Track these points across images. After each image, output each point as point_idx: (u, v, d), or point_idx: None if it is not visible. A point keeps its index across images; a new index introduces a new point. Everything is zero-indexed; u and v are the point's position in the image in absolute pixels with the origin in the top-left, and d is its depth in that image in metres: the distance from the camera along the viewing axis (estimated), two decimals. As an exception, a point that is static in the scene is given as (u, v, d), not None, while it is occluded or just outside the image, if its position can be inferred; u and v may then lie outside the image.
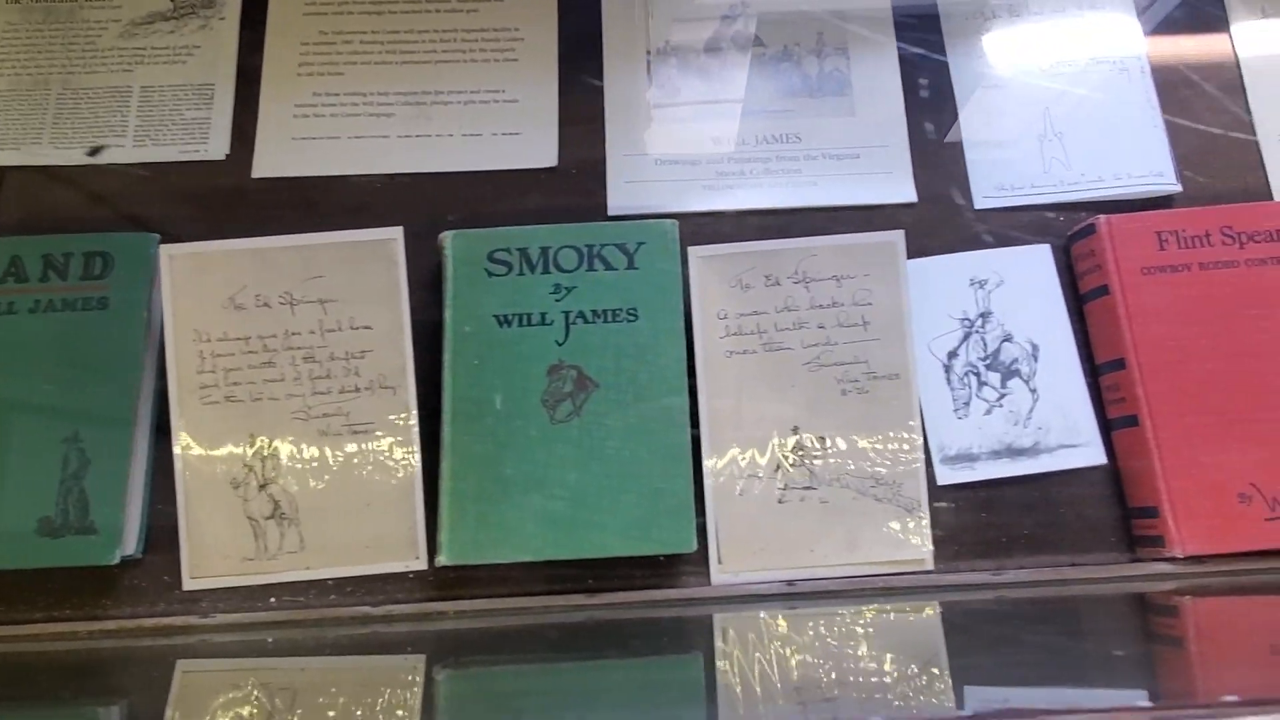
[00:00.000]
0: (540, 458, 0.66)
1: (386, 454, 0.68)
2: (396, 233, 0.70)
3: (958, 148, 0.78)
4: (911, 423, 0.69)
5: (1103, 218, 0.71)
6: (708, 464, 0.68)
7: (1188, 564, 0.65)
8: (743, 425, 0.69)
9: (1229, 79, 0.80)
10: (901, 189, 0.77)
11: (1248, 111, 0.79)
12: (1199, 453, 0.66)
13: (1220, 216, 0.71)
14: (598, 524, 0.64)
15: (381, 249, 0.70)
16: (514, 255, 0.70)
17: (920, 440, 0.69)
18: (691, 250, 0.70)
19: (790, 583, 0.66)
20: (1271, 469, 0.65)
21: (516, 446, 0.66)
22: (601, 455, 0.66)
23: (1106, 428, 0.71)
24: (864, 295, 0.70)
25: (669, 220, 0.70)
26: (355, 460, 0.69)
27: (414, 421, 0.68)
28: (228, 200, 0.77)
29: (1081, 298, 0.73)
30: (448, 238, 0.70)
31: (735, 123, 0.78)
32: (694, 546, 0.65)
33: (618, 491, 0.65)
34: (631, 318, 0.69)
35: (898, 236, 0.71)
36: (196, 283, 0.70)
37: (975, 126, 0.78)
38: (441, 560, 0.64)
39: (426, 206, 0.77)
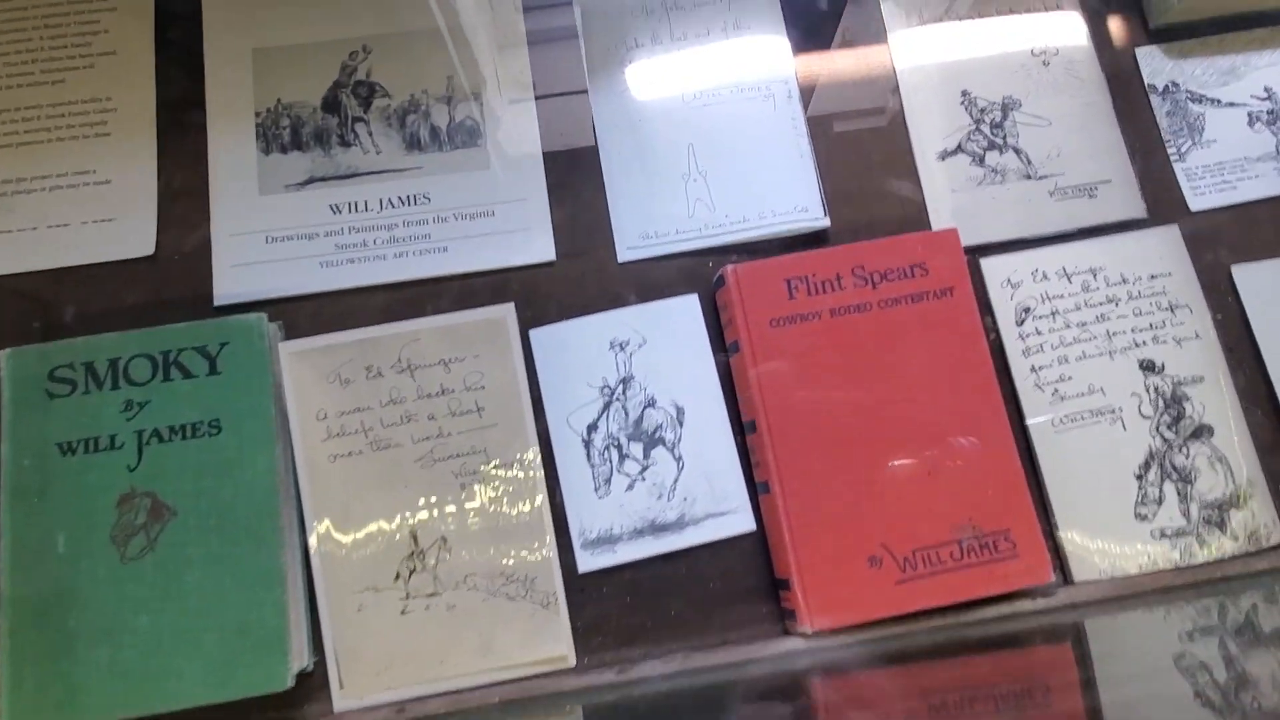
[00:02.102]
0: (109, 603, 0.59)
1: (-49, 611, 0.62)
2: (-72, 360, 0.62)
3: (600, 196, 0.72)
4: (539, 512, 0.64)
5: (730, 267, 0.67)
6: (319, 581, 0.61)
7: (820, 638, 0.62)
8: (357, 536, 0.63)
9: (887, 95, 0.76)
10: (540, 247, 0.70)
11: (905, 130, 0.76)
12: (829, 518, 0.62)
13: (852, 256, 0.67)
14: (175, 672, 0.58)
15: (-86, 381, 0.62)
16: (79, 371, 0.62)
17: (549, 530, 0.64)
18: (282, 347, 0.63)
19: (401, 707, 0.61)
20: (902, 527, 0.62)
21: (82, 593, 0.58)
22: (179, 593, 0.59)
23: (756, 491, 0.68)
24: (476, 378, 0.65)
25: (253, 315, 0.63)
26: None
27: (-21, 572, 0.62)
28: None
29: (726, 352, 0.70)
30: (2, 357, 0.62)
31: (355, 187, 0.70)
32: (288, 684, 0.59)
33: (198, 632, 0.58)
34: (214, 431, 0.62)
35: (506, 311, 0.65)
36: None
37: (617, 170, 0.73)
38: (-1, 733, 0.58)
39: (9, 316, 0.69)
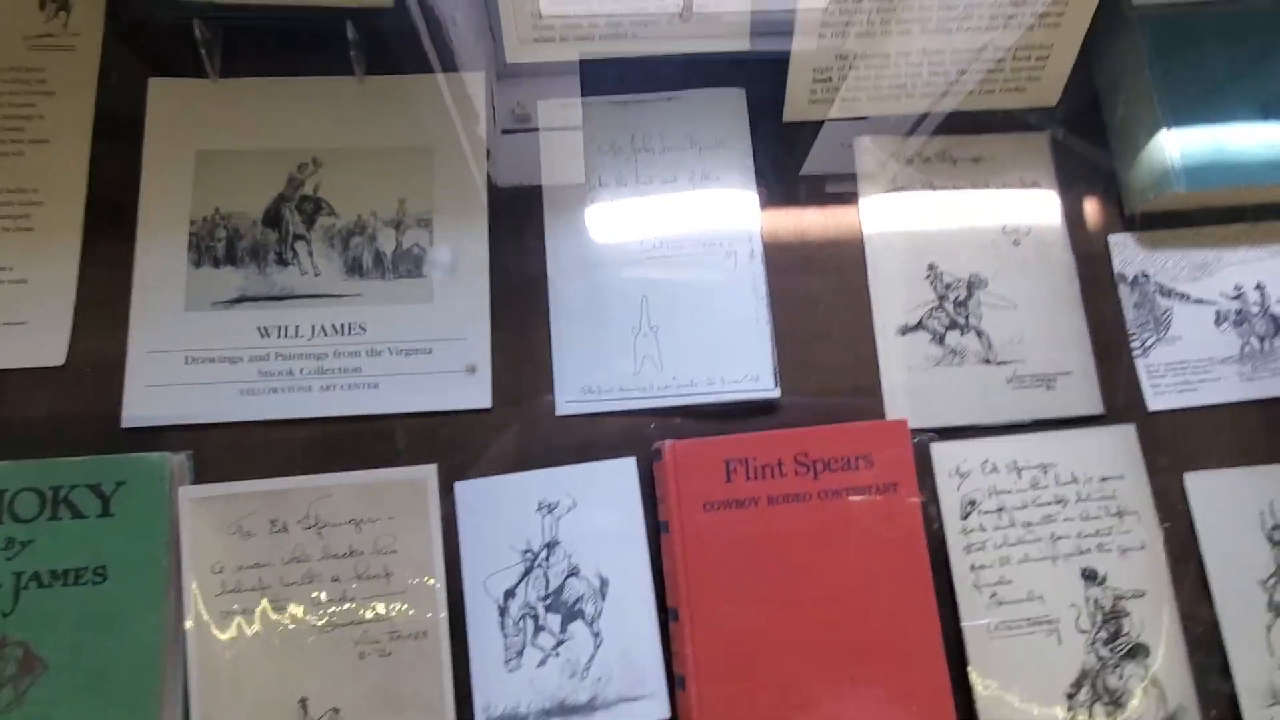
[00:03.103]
0: (-37, 763, 0.56)
1: None
2: None
3: (545, 341, 0.69)
4: (440, 690, 0.60)
5: (668, 443, 0.64)
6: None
7: None
8: (243, 701, 0.58)
9: (852, 261, 0.73)
10: (476, 392, 0.67)
11: (868, 299, 0.74)
12: (744, 724, 0.61)
13: (796, 441, 0.64)
14: (25, 847, 0.55)
15: None
16: (-41, 501, 0.59)
17: (449, 708, 0.60)
18: (182, 493, 0.59)
19: None
20: (820, 741, 0.61)
21: (-67, 750, 0.56)
22: (41, 757, 0.56)
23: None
24: (387, 542, 0.61)
25: (156, 455, 0.59)
26: None
27: None
28: None
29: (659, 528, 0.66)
30: (-122, 478, 0.59)
31: (288, 310, 0.67)
32: None
33: (57, 803, 0.56)
34: (98, 579, 0.58)
35: (428, 473, 0.62)
36: None
37: (566, 316, 0.69)
38: None
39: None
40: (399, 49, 0.74)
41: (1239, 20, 0.75)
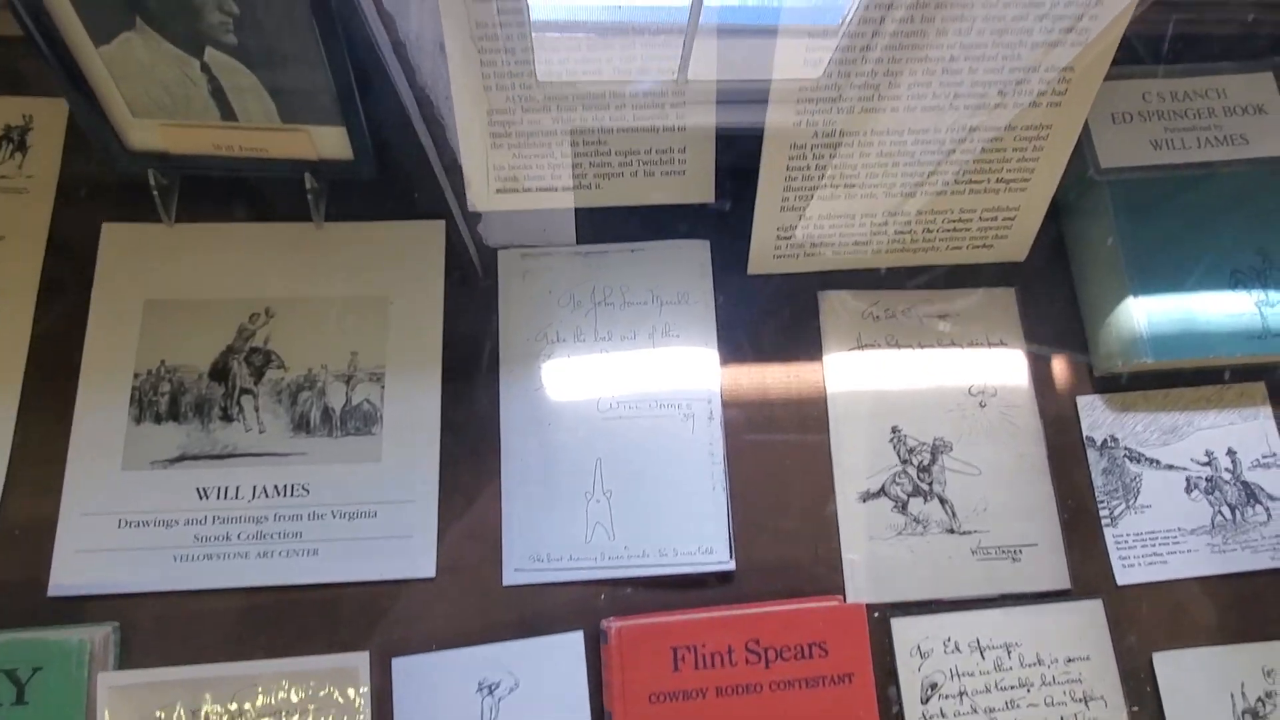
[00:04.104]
0: None
1: None
2: None
3: (495, 505, 0.67)
4: None
5: (615, 626, 0.62)
6: None
7: None
8: None
9: (814, 421, 0.71)
10: (420, 561, 0.65)
11: (829, 463, 0.71)
12: None
13: (747, 626, 0.62)
14: None
15: None
16: None
17: None
18: (101, 679, 0.57)
19: None
20: None
21: None
22: None
23: None
24: (315, 734, 0.60)
25: (75, 638, 0.57)
26: None
27: None
28: None
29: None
30: None
31: (229, 470, 0.65)
32: None
33: None
34: (8, 774, 0.56)
35: (359, 661, 0.59)
36: None
37: (517, 479, 0.68)
38: None
39: None
40: (359, 196, 0.73)
41: (1207, 187, 0.74)
